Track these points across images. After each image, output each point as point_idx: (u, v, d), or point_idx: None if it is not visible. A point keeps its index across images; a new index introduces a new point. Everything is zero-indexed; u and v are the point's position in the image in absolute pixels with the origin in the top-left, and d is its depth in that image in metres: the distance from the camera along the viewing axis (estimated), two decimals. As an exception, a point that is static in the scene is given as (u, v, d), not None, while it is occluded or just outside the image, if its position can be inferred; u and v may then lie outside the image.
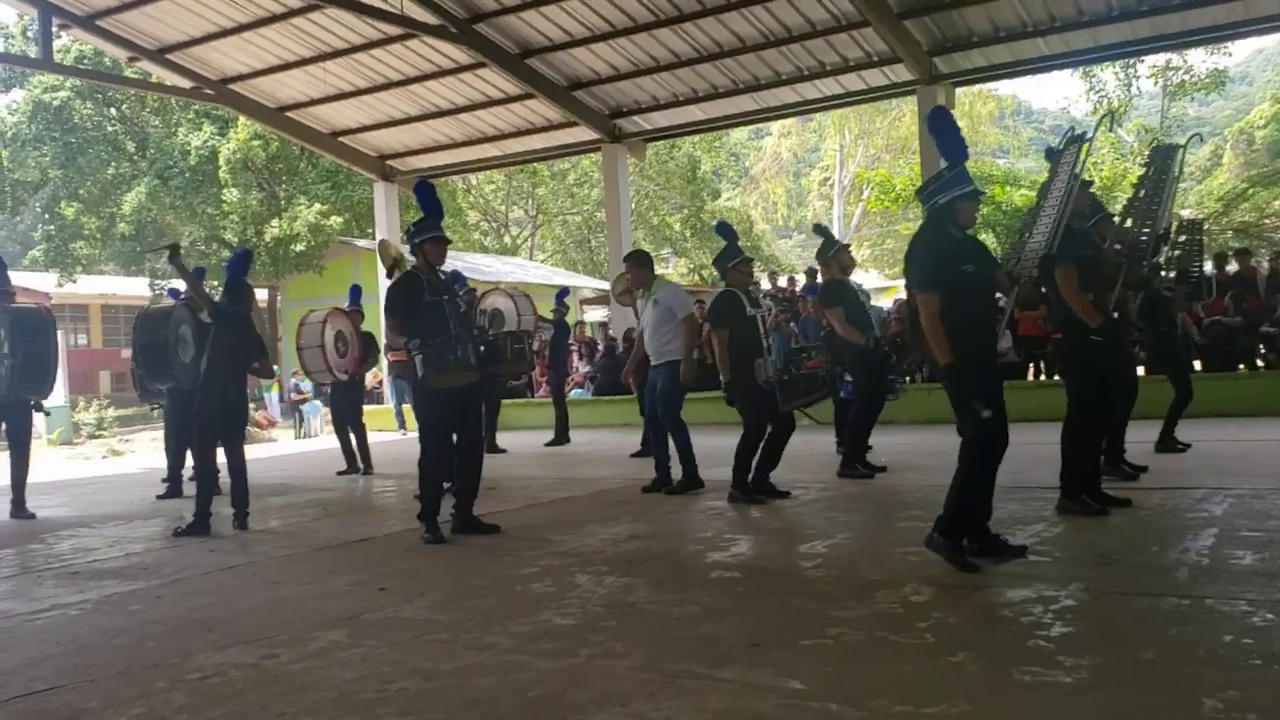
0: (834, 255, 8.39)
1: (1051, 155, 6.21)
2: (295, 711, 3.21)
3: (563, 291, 13.79)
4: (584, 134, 17.21)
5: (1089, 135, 6.28)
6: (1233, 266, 13.75)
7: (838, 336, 8.24)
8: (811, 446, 10.10)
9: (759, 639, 3.73)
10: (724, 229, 7.69)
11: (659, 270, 9.01)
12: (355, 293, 11.48)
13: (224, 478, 7.37)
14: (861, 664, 3.40)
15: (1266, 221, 22.14)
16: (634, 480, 8.66)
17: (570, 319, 15.19)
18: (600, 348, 17.85)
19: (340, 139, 18.48)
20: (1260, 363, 12.54)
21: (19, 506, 8.38)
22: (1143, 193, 7.14)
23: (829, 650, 3.58)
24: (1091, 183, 6.12)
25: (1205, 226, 9.97)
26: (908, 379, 11.67)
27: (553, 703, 3.16)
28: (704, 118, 16.99)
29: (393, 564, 5.68)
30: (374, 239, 20.25)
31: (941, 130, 5.00)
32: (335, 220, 25.63)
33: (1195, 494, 6.39)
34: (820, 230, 9.14)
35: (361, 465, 10.71)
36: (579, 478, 9.34)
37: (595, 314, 28.45)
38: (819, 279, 10.72)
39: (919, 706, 2.95)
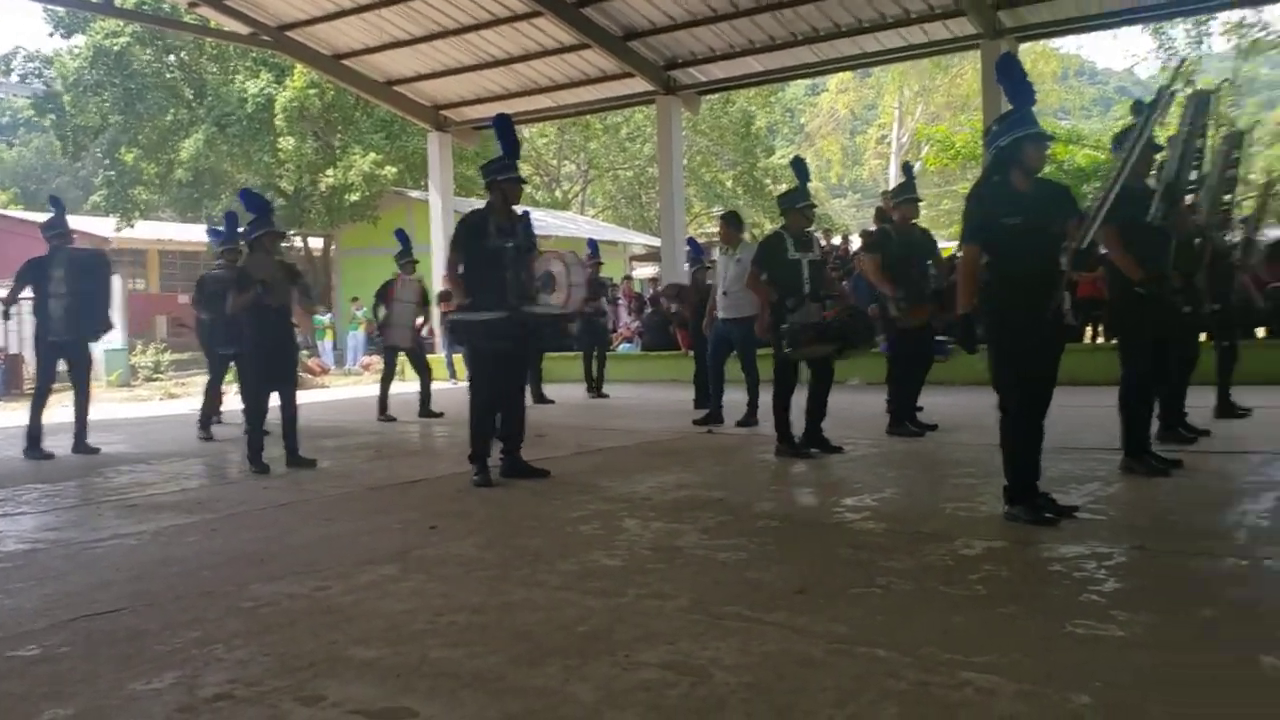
0: (900, 202, 8.20)
1: (1139, 111, 5.90)
2: (346, 640, 3.26)
3: (591, 244, 13.85)
4: (638, 85, 17.05)
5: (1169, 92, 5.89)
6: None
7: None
8: (861, 405, 10.04)
9: (806, 586, 3.71)
10: (799, 165, 7.59)
11: (706, 227, 9.40)
12: (403, 238, 11.30)
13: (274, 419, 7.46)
14: (910, 613, 3.38)
15: (1338, 187, 21.46)
16: (682, 433, 8.69)
17: (615, 272, 15.19)
18: (649, 304, 17.83)
19: (395, 88, 18.47)
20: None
21: (81, 441, 8.58)
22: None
23: (877, 599, 3.56)
24: (1161, 147, 5.85)
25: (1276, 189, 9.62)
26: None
27: (600, 639, 3.18)
28: (761, 70, 16.72)
29: (443, 504, 5.74)
30: (428, 190, 20.31)
31: (1010, 76, 4.89)
32: (389, 170, 25.70)
33: (1255, 458, 6.27)
34: (907, 170, 8.88)
35: (420, 410, 11.00)
36: (627, 429, 9.36)
37: (645, 270, 28.38)
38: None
39: (969, 655, 2.92)
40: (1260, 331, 11.88)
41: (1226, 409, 8.15)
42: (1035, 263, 4.72)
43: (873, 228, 13.57)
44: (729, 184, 35.97)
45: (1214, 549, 4.13)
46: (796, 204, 7.23)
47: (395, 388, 11.28)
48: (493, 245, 6.23)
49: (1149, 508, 5.00)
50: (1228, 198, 7.07)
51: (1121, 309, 5.93)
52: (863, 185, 47.15)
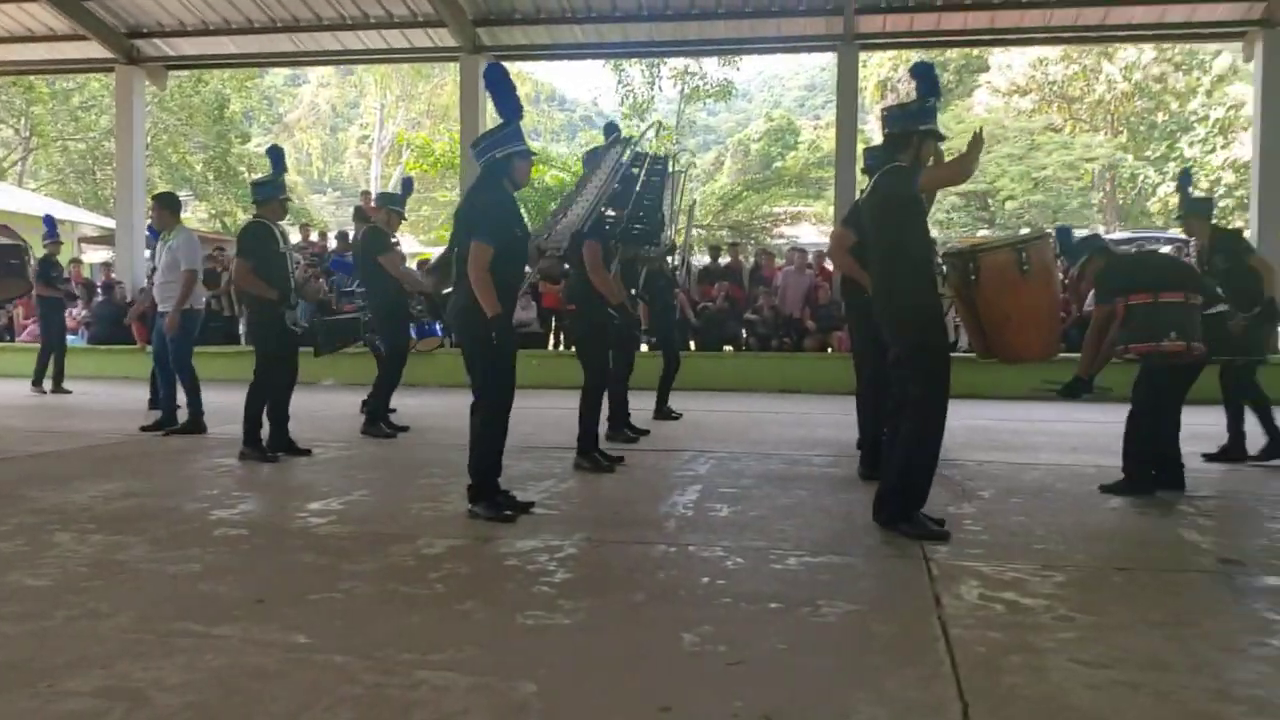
0: (391, 210, 8.25)
1: (611, 132, 6.52)
2: None
3: (49, 221, 12.25)
4: (94, 50, 15.40)
5: (634, 141, 6.65)
6: (725, 259, 15.39)
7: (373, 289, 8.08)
8: (334, 406, 9.90)
9: (264, 595, 3.56)
10: (276, 154, 7.20)
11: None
12: None
13: None
14: (371, 616, 3.37)
15: (755, 222, 25.09)
16: (133, 436, 7.96)
17: (64, 257, 13.57)
18: (100, 291, 16.06)
19: None
20: (744, 345, 14.20)
21: None
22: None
23: (338, 604, 3.51)
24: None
25: (701, 219, 11.18)
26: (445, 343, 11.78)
27: (18, 669, 2.79)
28: (236, 52, 15.90)
29: None
30: None
31: (498, 87, 4.91)
32: None
33: (684, 455, 7.09)
34: (407, 184, 9.03)
35: None
36: (68, 430, 8.37)
37: (98, 254, 25.60)
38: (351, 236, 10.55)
39: (425, 654, 2.98)
40: (692, 344, 13.56)
41: (663, 412, 9.18)
42: (518, 271, 5.00)
43: (350, 227, 13.56)
44: (199, 168, 33.62)
45: (649, 537, 4.60)
46: (278, 195, 6.95)
47: None
48: None
49: (596, 501, 5.46)
50: (668, 226, 8.00)
51: (588, 319, 6.46)
52: (343, 183, 46.50)
